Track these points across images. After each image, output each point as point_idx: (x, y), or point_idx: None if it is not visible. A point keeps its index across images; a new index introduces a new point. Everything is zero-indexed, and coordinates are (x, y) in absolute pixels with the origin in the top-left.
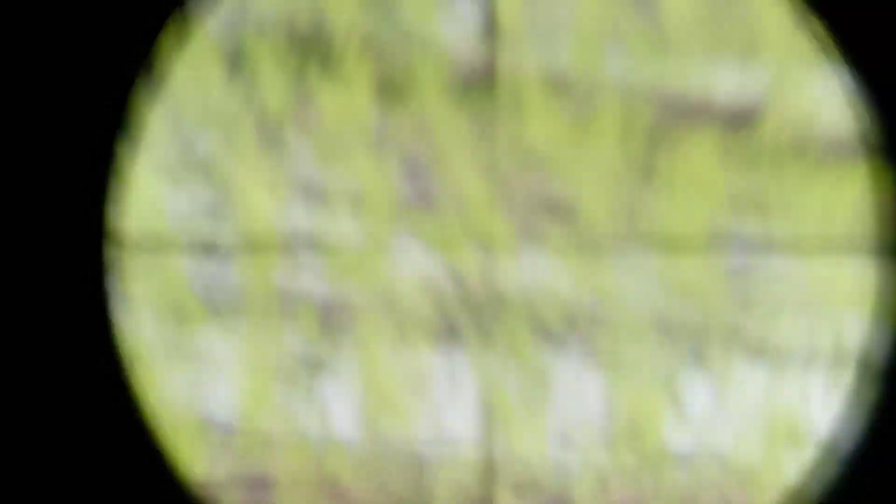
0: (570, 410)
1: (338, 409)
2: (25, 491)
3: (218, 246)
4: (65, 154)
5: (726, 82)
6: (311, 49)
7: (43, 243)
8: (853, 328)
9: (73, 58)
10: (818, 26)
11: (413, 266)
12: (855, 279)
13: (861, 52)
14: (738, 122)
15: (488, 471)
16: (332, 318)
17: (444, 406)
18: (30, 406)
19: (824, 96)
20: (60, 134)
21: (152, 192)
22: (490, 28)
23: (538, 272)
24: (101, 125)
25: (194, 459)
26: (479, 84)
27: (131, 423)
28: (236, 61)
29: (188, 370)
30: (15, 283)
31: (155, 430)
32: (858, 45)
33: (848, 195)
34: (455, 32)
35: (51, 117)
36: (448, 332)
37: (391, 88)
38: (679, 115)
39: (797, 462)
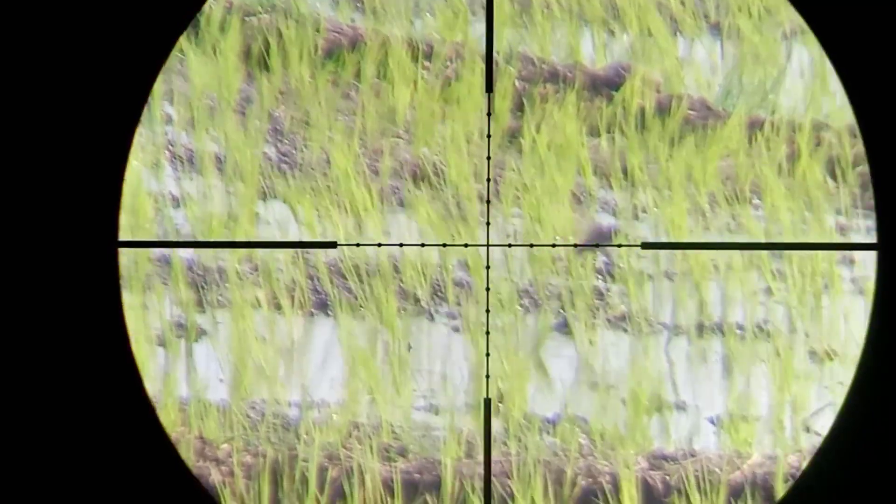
0: (437, 376)
1: (210, 373)
2: (33, 485)
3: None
4: (67, 155)
5: (590, 50)
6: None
7: (48, 243)
8: (714, 301)
9: (75, 60)
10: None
11: (282, 231)
12: (717, 250)
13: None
14: (602, 87)
15: (355, 434)
16: (203, 285)
17: (313, 371)
18: (35, 401)
19: (684, 63)
20: (62, 135)
21: None
22: None
23: (404, 238)
24: (101, 131)
25: None
26: (345, 52)
27: (137, 418)
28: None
29: None
30: (20, 281)
31: (161, 425)
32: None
33: (711, 161)
34: (321, 2)
35: (52, 118)
36: (316, 299)
37: (258, 56)
38: (544, 81)
39: (659, 428)
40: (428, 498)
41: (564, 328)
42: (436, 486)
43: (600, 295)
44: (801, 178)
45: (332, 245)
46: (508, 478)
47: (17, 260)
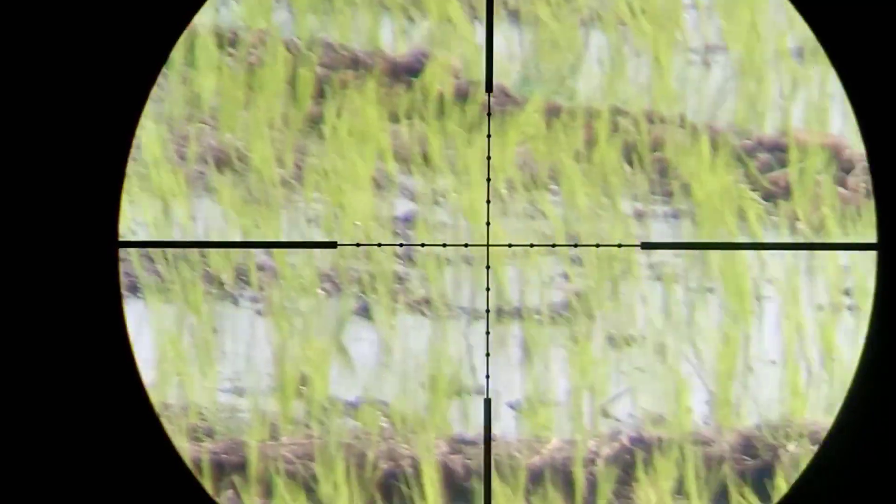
0: (241, 359)
1: None
2: (33, 485)
3: None
4: (67, 155)
5: (390, 37)
6: None
7: (48, 243)
8: (512, 286)
9: (75, 60)
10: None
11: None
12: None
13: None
14: (402, 74)
15: (164, 415)
16: None
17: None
18: (35, 401)
19: (483, 50)
20: (62, 135)
21: None
22: None
23: (210, 223)
24: (102, 131)
25: None
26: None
27: (137, 418)
28: None
29: None
30: (20, 282)
31: (161, 424)
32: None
33: (509, 146)
34: None
35: (52, 118)
36: (127, 281)
37: None
38: (344, 68)
39: (459, 411)
40: (234, 478)
41: (365, 312)
42: (241, 466)
43: (400, 280)
44: (599, 164)
45: (333, 245)
46: (311, 461)
47: (17, 260)
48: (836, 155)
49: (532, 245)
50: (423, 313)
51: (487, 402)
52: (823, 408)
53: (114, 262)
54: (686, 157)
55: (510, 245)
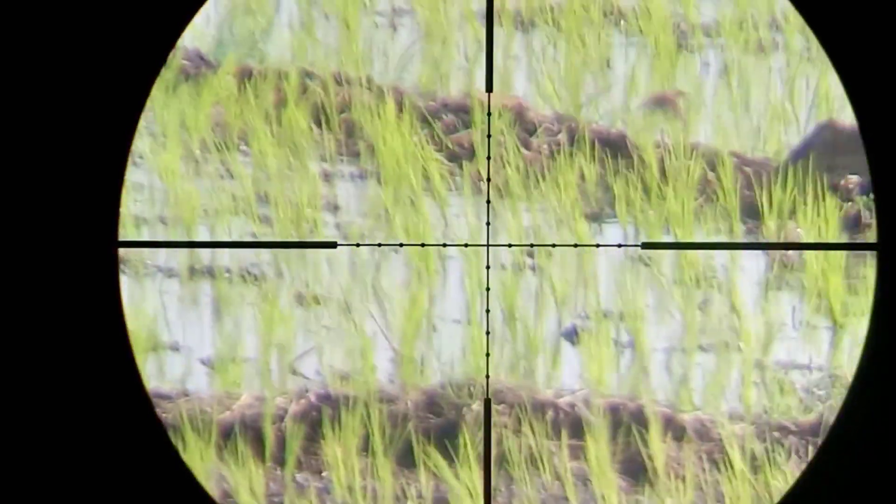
0: None
1: None
2: (33, 485)
3: None
4: (67, 156)
5: None
6: None
7: (48, 243)
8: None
9: (75, 60)
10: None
11: None
12: None
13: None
14: None
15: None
16: None
17: None
18: (35, 400)
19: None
20: (62, 136)
21: None
22: None
23: None
24: (102, 131)
25: None
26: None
27: (137, 417)
28: None
29: None
30: (20, 281)
31: (162, 424)
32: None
33: (202, 109)
34: None
35: (52, 119)
36: None
37: None
38: None
39: (156, 368)
40: None
41: None
42: None
43: None
44: (288, 126)
45: (333, 245)
46: None
47: (17, 260)
48: (518, 116)
49: (532, 245)
50: (122, 271)
51: (487, 403)
52: (507, 367)
53: (114, 262)
54: (372, 118)
55: (510, 245)
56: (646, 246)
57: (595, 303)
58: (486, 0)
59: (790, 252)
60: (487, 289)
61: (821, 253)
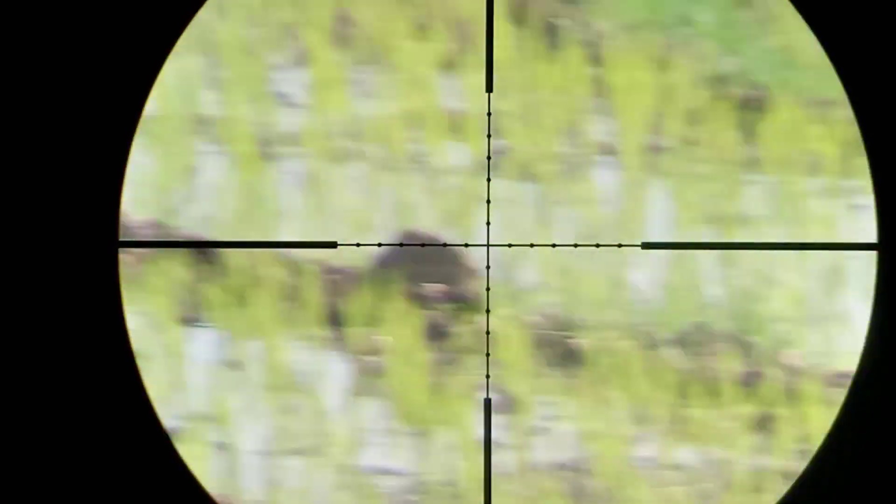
0: None
1: None
2: (33, 485)
3: None
4: (67, 155)
5: None
6: None
7: (48, 243)
8: None
9: (75, 60)
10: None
11: None
12: None
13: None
14: None
15: None
16: None
17: None
18: (35, 400)
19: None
20: (62, 135)
21: None
22: None
23: None
24: (102, 131)
25: None
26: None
27: (137, 418)
28: None
29: None
30: (21, 281)
31: (161, 425)
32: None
33: None
34: None
35: (52, 118)
36: None
37: None
38: None
39: None
40: None
41: None
42: None
43: None
44: None
45: (333, 245)
46: None
47: (17, 260)
48: None
49: (532, 245)
50: None
51: (487, 402)
52: None
53: (114, 262)
54: None
55: (510, 245)
56: (646, 246)
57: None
58: (487, 1)
59: (375, 357)
60: (487, 289)
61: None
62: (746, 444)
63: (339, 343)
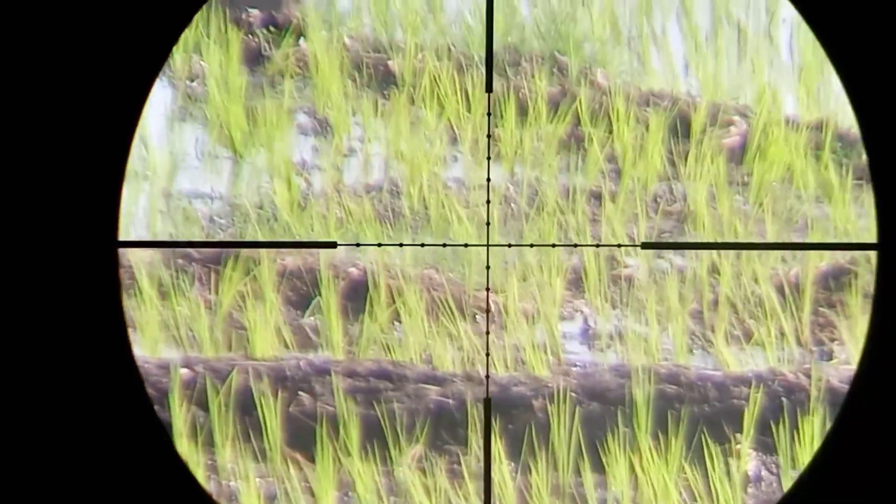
0: None
1: None
2: (33, 485)
3: None
4: (67, 155)
5: None
6: None
7: (48, 243)
8: None
9: (75, 59)
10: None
11: None
12: None
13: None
14: None
15: None
16: None
17: None
18: (34, 401)
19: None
20: (62, 135)
21: None
22: None
23: None
24: (101, 131)
25: None
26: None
27: (137, 418)
28: None
29: None
30: (20, 281)
31: (161, 425)
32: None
33: None
34: None
35: (51, 118)
36: None
37: None
38: None
39: None
40: None
41: None
42: None
43: None
44: None
45: (333, 245)
46: None
47: (17, 260)
48: None
49: (532, 245)
50: None
51: (487, 402)
52: None
53: (114, 262)
54: None
55: (510, 245)
56: (646, 246)
57: None
58: (487, 1)
59: (195, 83)
60: (487, 289)
61: None
62: (556, 163)
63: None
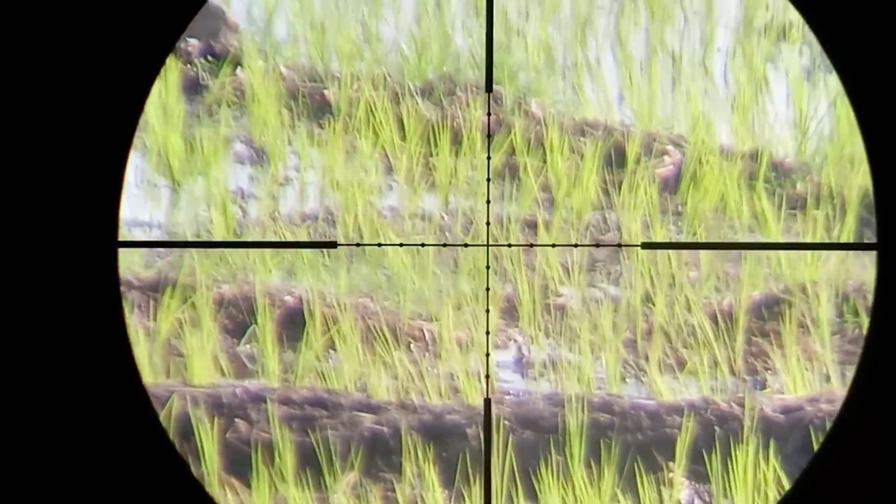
0: None
1: None
2: (32, 485)
3: None
4: (67, 155)
5: None
6: None
7: (48, 243)
8: None
9: (75, 59)
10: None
11: None
12: None
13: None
14: None
15: None
16: None
17: None
18: (34, 401)
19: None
20: (61, 135)
21: None
22: None
23: None
24: (101, 131)
25: None
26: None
27: (137, 418)
28: None
29: None
30: (20, 281)
31: (161, 425)
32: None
33: None
34: None
35: (51, 118)
36: None
37: None
38: None
39: None
40: None
41: None
42: None
43: None
44: None
45: (333, 245)
46: None
47: (16, 260)
48: None
49: (532, 245)
50: None
51: (487, 402)
52: None
53: (114, 262)
54: None
55: (510, 245)
56: (646, 246)
57: None
58: (487, 1)
59: None
60: (487, 289)
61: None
62: (491, 192)
63: None
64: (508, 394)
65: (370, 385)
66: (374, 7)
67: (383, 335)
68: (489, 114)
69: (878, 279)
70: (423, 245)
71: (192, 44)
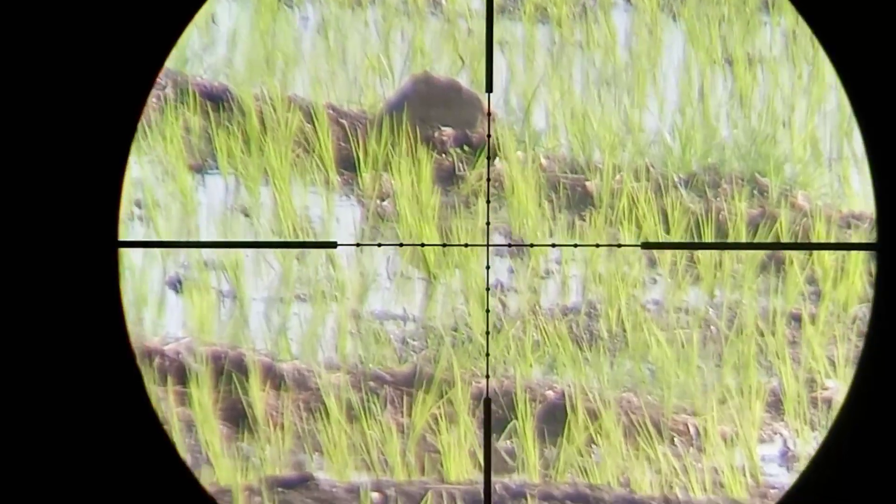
0: None
1: None
2: (33, 485)
3: None
4: (67, 155)
5: None
6: None
7: (48, 243)
8: None
9: (75, 59)
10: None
11: None
12: None
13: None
14: None
15: None
16: None
17: None
18: (34, 401)
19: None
20: (62, 135)
21: None
22: None
23: None
24: (101, 131)
25: None
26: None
27: (137, 418)
28: None
29: None
30: (20, 281)
31: (161, 425)
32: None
33: None
34: None
35: (52, 118)
36: None
37: None
38: None
39: None
40: None
41: None
42: None
43: None
44: None
45: (333, 245)
46: None
47: (17, 260)
48: None
49: (532, 245)
50: None
51: (487, 402)
52: None
53: (114, 261)
54: None
55: (509, 245)
56: (646, 246)
57: (196, 253)
58: (487, 1)
59: (385, 202)
60: (487, 289)
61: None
62: (756, 286)
63: (350, 188)
64: (773, 488)
65: (633, 480)
66: (636, 96)
67: (647, 429)
68: (489, 113)
69: (878, 279)
70: (422, 245)
71: (446, 132)
